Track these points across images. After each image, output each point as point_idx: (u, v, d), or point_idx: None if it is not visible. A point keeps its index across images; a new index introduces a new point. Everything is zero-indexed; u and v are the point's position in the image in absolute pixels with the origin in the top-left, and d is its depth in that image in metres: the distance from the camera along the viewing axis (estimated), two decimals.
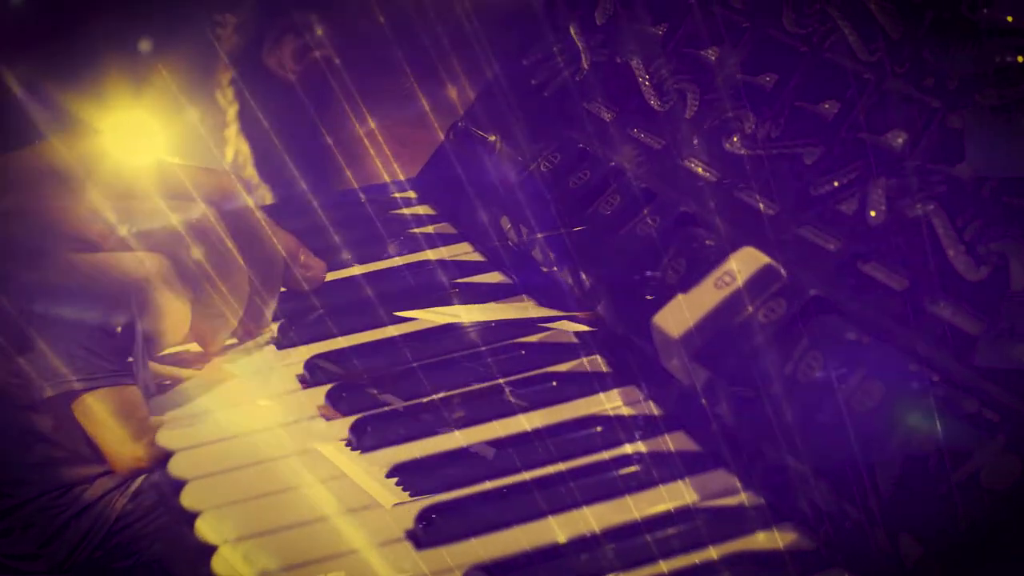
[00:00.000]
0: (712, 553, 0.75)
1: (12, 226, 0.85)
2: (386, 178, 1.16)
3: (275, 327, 0.97)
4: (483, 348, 0.93)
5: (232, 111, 1.41)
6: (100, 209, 0.85)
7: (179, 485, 0.82)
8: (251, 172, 1.42)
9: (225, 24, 1.38)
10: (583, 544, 0.76)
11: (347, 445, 0.85)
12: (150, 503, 0.93)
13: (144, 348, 0.87)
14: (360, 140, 1.24)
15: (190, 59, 1.34)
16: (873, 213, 0.80)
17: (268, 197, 1.41)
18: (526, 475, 0.81)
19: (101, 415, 0.85)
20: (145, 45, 1.26)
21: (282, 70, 1.34)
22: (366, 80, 1.26)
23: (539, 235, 0.96)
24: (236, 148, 1.42)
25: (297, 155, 1.26)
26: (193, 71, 1.36)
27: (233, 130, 1.42)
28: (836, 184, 0.82)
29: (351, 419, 0.87)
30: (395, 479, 0.82)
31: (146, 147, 0.94)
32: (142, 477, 0.91)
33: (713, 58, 0.93)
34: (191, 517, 0.79)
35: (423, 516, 0.78)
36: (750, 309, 0.80)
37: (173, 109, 1.19)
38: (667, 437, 0.84)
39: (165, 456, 0.85)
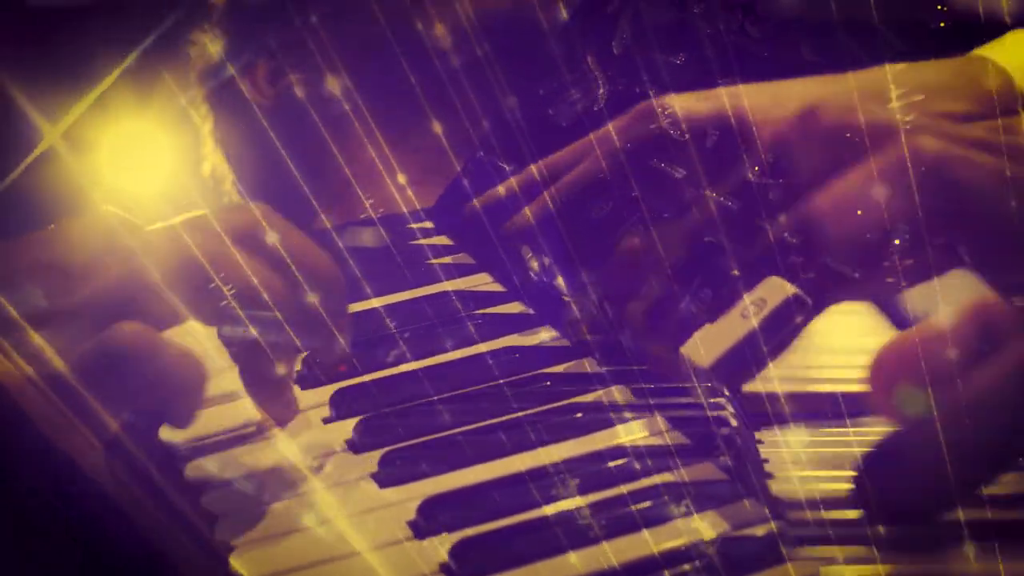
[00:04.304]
0: None
1: None
2: (369, 209, 1.14)
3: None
4: (504, 381, 0.93)
5: (206, 127, 1.39)
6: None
7: None
8: (229, 188, 1.39)
9: (196, 42, 1.36)
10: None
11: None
12: None
13: None
14: (343, 170, 1.21)
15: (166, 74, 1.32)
16: (897, 241, 0.80)
17: None
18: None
19: None
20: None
21: (257, 93, 1.32)
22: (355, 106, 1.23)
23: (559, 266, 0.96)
24: (213, 164, 1.40)
25: (280, 177, 1.22)
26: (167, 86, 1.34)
27: (208, 146, 1.40)
28: (860, 213, 0.82)
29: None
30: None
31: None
32: None
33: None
34: None
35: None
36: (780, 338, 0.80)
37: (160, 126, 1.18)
38: (693, 467, 0.84)
39: None
